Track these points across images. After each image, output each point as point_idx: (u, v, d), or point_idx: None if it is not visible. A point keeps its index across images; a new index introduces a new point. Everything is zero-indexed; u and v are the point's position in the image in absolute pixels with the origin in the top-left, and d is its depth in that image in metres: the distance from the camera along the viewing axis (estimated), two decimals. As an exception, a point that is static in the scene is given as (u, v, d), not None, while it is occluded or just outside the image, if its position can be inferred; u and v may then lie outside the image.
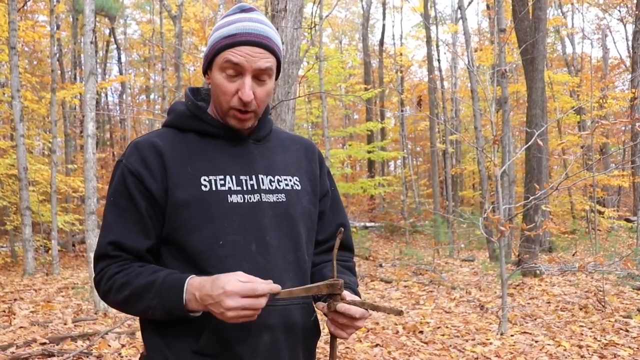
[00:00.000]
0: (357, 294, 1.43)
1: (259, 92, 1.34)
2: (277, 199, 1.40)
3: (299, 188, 1.45)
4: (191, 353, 1.30)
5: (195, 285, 1.22)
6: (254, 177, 1.39)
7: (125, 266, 1.32)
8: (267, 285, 1.19)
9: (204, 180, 1.33)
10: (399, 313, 1.34)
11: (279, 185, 1.42)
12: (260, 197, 1.38)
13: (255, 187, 1.38)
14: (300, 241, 1.42)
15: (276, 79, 1.42)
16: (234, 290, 1.16)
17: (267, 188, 1.40)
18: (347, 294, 1.31)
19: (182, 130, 1.41)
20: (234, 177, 1.36)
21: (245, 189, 1.36)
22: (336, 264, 1.33)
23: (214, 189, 1.33)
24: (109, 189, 1.39)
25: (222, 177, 1.35)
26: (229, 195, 1.34)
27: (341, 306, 1.26)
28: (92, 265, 6.56)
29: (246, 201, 1.35)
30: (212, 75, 1.36)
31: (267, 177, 1.41)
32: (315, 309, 1.34)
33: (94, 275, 1.37)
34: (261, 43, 1.32)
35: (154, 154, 1.34)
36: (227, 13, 1.38)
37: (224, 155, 1.38)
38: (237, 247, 1.32)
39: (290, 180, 1.45)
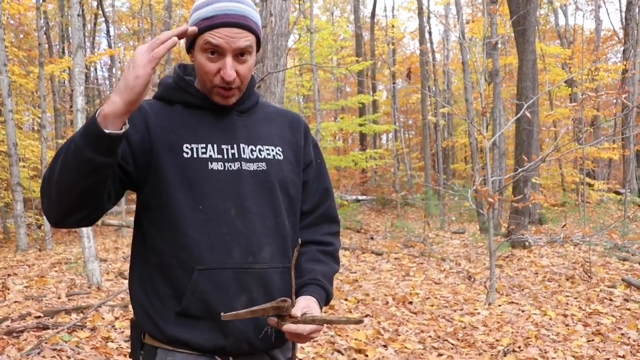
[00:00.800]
0: (326, 289, 1.47)
1: (241, 69, 1.38)
2: (258, 167, 1.45)
3: (280, 158, 1.50)
4: (174, 314, 1.36)
5: (110, 98, 1.21)
6: (235, 146, 1.44)
7: None
8: (169, 32, 1.22)
9: (186, 147, 1.39)
10: (358, 322, 1.38)
11: (260, 155, 1.46)
12: (241, 165, 1.43)
13: (236, 156, 1.43)
14: (280, 208, 1.46)
15: (257, 52, 1.46)
16: (142, 50, 1.20)
17: (248, 157, 1.44)
18: (302, 305, 1.36)
19: (169, 103, 1.46)
20: (215, 145, 1.41)
21: (225, 157, 1.41)
22: (316, 252, 1.44)
23: (194, 156, 1.38)
24: None
25: (203, 145, 1.40)
26: (209, 163, 1.39)
27: (287, 327, 1.30)
28: (84, 239, 6.60)
29: (226, 169, 1.40)
30: (194, 55, 1.40)
31: (248, 146, 1.46)
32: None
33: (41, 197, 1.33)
34: (239, 23, 1.35)
35: (139, 114, 1.39)
36: None
37: (207, 125, 1.44)
38: (217, 211, 1.37)
39: (273, 150, 1.49)
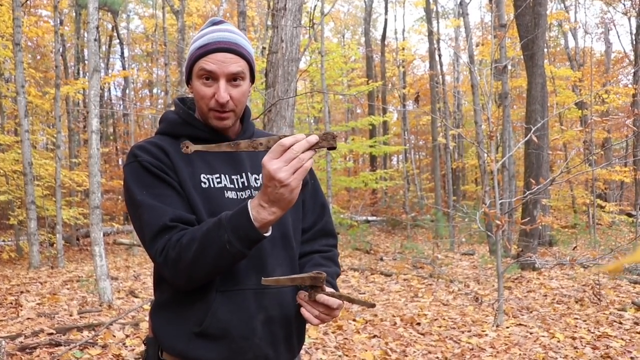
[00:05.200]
0: (334, 285, 1.56)
1: (234, 93, 1.47)
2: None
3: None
4: (195, 335, 1.43)
5: (255, 200, 1.29)
6: (243, 175, 1.54)
7: (183, 232, 1.37)
8: (290, 138, 1.26)
9: (203, 177, 1.48)
10: (372, 306, 1.52)
11: (252, 182, 1.56)
12: (251, 192, 1.52)
13: (246, 184, 1.53)
14: (288, 231, 1.55)
15: (252, 81, 1.57)
16: (269, 157, 1.25)
17: (254, 185, 1.54)
18: (325, 287, 1.44)
19: (175, 137, 1.52)
20: (227, 176, 1.51)
21: (237, 186, 1.51)
22: (317, 258, 1.56)
23: (212, 186, 1.48)
24: (130, 190, 1.44)
25: (217, 175, 1.50)
26: (225, 192, 1.49)
27: (320, 297, 1.40)
28: (97, 258, 6.69)
29: (239, 197, 1.50)
30: (193, 84, 1.50)
31: (252, 175, 1.55)
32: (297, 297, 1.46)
33: (155, 258, 1.38)
34: (230, 49, 1.46)
35: (161, 152, 1.47)
36: (202, 28, 1.54)
37: (216, 157, 1.52)
38: None
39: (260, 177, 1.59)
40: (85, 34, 9.94)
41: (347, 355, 4.60)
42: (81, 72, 20.47)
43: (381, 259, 11.68)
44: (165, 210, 1.38)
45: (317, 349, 4.71)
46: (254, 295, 1.46)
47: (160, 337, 1.48)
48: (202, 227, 1.34)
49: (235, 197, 1.50)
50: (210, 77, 1.45)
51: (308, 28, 5.52)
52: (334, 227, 1.77)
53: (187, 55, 1.52)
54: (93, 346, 4.72)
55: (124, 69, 23.61)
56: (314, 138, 1.27)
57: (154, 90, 28.22)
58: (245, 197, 1.51)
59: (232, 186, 1.51)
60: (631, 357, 4.60)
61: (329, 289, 1.45)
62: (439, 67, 21.34)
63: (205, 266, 1.34)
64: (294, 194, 1.27)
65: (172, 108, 1.62)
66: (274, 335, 1.48)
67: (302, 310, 1.44)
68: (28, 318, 5.91)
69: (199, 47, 1.46)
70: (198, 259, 1.32)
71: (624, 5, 22.26)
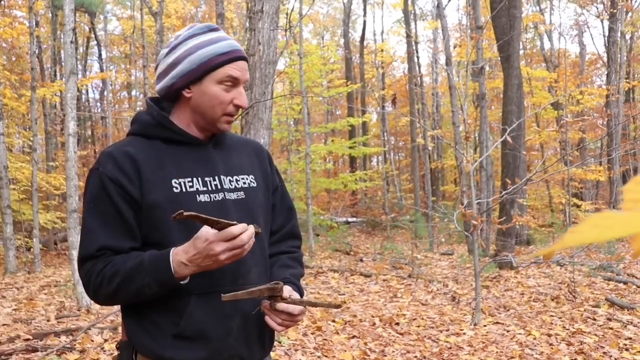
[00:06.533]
0: (298, 287, 1.62)
1: (245, 98, 1.59)
2: (238, 196, 1.58)
3: (254, 185, 1.64)
4: (171, 337, 1.45)
5: (180, 252, 1.38)
6: (216, 177, 1.56)
7: (109, 259, 1.43)
8: (240, 227, 1.37)
9: (175, 182, 1.48)
10: (337, 307, 1.60)
11: (238, 184, 1.60)
12: (224, 195, 1.55)
13: (219, 187, 1.55)
14: (262, 233, 1.58)
15: None
16: (216, 238, 1.35)
17: (228, 187, 1.57)
18: (288, 290, 1.52)
19: (147, 138, 1.54)
20: (199, 179, 1.53)
21: (210, 189, 1.53)
22: (284, 259, 1.65)
23: (184, 190, 1.49)
24: (85, 196, 1.49)
25: (189, 179, 1.51)
26: (197, 195, 1.50)
27: (280, 305, 1.46)
28: (75, 262, 6.62)
29: (212, 200, 1.52)
30: (200, 88, 1.50)
31: (226, 177, 1.58)
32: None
33: (81, 278, 1.48)
34: (245, 57, 1.56)
35: (129, 161, 1.47)
36: (196, 32, 1.54)
37: (189, 160, 1.54)
38: None
39: (247, 179, 1.63)
40: (62, 36, 9.84)
41: (326, 356, 4.63)
42: (58, 74, 20.22)
43: (361, 260, 11.74)
44: (98, 238, 1.44)
45: (296, 350, 4.73)
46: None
47: (135, 341, 1.49)
48: (126, 263, 1.41)
49: (209, 199, 1.51)
50: (233, 83, 1.51)
51: (286, 30, 5.55)
52: (299, 230, 1.84)
53: (188, 59, 1.49)
54: (71, 351, 4.68)
55: (101, 70, 23.38)
56: (254, 228, 1.41)
57: (133, 93, 27.95)
58: (219, 199, 1.53)
59: (204, 189, 1.52)
60: (604, 352, 4.70)
61: (293, 294, 1.52)
62: (417, 68, 21.51)
63: (124, 298, 1.46)
64: (215, 263, 1.38)
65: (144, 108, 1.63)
66: (249, 334, 1.52)
67: (266, 318, 1.49)
68: (4, 324, 5.83)
69: (223, 54, 1.49)
70: (118, 292, 1.42)
71: (597, 8, 22.68)
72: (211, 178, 1.55)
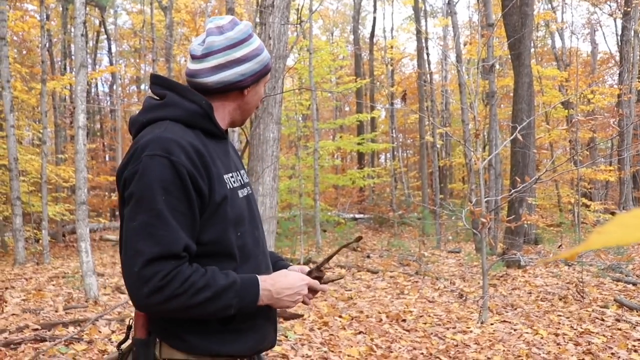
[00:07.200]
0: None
1: None
2: (249, 191, 1.59)
3: (247, 180, 1.66)
4: (220, 331, 1.45)
5: (268, 282, 1.43)
6: (238, 172, 1.57)
7: (194, 268, 1.34)
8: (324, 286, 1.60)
9: (226, 178, 1.47)
10: (358, 239, 1.77)
11: (245, 179, 1.61)
12: (247, 190, 1.58)
13: (242, 182, 1.57)
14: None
15: None
16: (311, 283, 1.53)
17: (245, 182, 1.59)
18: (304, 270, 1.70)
19: (188, 127, 1.44)
20: (234, 174, 1.53)
21: (240, 184, 1.55)
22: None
23: (231, 186, 1.49)
24: (146, 186, 1.32)
25: (231, 174, 1.51)
26: (238, 191, 1.51)
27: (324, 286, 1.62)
28: (83, 254, 6.66)
29: (243, 195, 1.54)
30: (255, 89, 1.55)
31: (241, 172, 1.60)
32: None
33: (144, 278, 1.29)
34: None
35: (197, 154, 1.38)
36: (251, 30, 1.53)
37: (222, 155, 1.52)
38: (249, 236, 1.52)
39: (245, 174, 1.65)
40: (72, 29, 9.88)
41: (332, 351, 4.63)
42: (68, 68, 20.31)
43: (368, 257, 11.73)
44: (180, 236, 1.32)
45: (302, 345, 4.73)
46: None
47: (171, 337, 1.42)
48: (216, 279, 1.35)
49: (243, 195, 1.53)
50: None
51: (296, 25, 5.54)
52: None
53: (254, 60, 1.50)
54: (79, 342, 4.71)
55: (111, 64, 23.44)
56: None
57: (142, 87, 28.03)
58: (247, 194, 1.56)
59: (238, 184, 1.53)
60: (612, 353, 4.67)
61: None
62: (427, 65, 21.42)
63: (197, 311, 1.35)
64: (293, 302, 1.49)
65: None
66: (275, 321, 1.60)
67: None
68: (13, 314, 5.88)
69: (269, 61, 1.56)
70: (198, 306, 1.33)
71: (610, 7, 22.48)
72: (236, 173, 1.55)
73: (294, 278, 1.48)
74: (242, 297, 1.37)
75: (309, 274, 1.59)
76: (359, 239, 1.72)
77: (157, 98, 1.50)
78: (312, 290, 1.56)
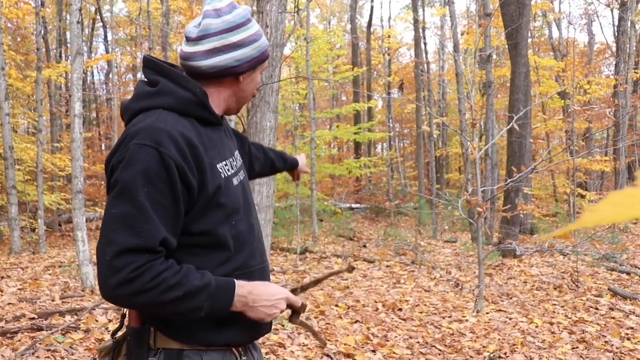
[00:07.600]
0: (285, 158, 2.12)
1: None
2: (244, 176, 1.58)
3: (241, 162, 1.63)
4: (215, 321, 1.42)
5: (246, 289, 1.37)
6: (233, 158, 1.54)
7: (168, 264, 1.30)
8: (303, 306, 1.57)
9: (219, 167, 1.43)
10: (350, 270, 1.78)
11: (238, 163, 1.58)
12: (241, 176, 1.55)
13: (237, 167, 1.54)
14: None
15: None
16: (288, 297, 1.48)
17: (239, 166, 1.57)
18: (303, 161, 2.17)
19: (182, 115, 1.40)
20: (228, 161, 1.49)
21: (234, 170, 1.51)
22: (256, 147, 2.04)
23: (225, 175, 1.44)
24: (130, 177, 1.28)
25: (225, 162, 1.47)
26: (232, 179, 1.48)
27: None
28: (80, 243, 6.66)
29: (238, 182, 1.51)
30: (251, 75, 1.51)
31: (235, 156, 1.58)
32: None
33: (114, 268, 1.25)
34: None
35: (188, 146, 1.33)
36: (249, 15, 1.47)
37: (217, 142, 1.48)
38: (243, 223, 1.49)
39: (239, 156, 1.63)
40: (68, 16, 9.80)
41: (329, 340, 4.65)
42: (63, 55, 20.15)
43: (364, 246, 11.76)
44: (158, 230, 1.27)
45: (299, 334, 4.76)
46: (260, 273, 1.52)
47: (165, 327, 1.39)
48: (190, 278, 1.29)
49: (237, 182, 1.50)
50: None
51: (293, 14, 5.51)
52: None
53: (251, 45, 1.45)
54: (75, 330, 4.72)
55: (107, 52, 23.29)
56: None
57: (138, 75, 27.86)
58: (242, 179, 1.54)
59: (233, 171, 1.49)
60: (605, 341, 4.72)
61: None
62: (424, 55, 21.37)
63: (166, 309, 1.30)
64: (270, 315, 1.43)
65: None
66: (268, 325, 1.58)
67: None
68: (9, 303, 5.88)
69: (267, 45, 1.52)
70: (168, 304, 1.28)
71: (607, -3, 22.40)
72: (231, 159, 1.52)
73: (274, 290, 1.42)
74: (215, 300, 1.31)
75: (293, 291, 1.55)
76: (352, 269, 1.72)
77: (150, 83, 1.46)
78: (290, 307, 1.51)
